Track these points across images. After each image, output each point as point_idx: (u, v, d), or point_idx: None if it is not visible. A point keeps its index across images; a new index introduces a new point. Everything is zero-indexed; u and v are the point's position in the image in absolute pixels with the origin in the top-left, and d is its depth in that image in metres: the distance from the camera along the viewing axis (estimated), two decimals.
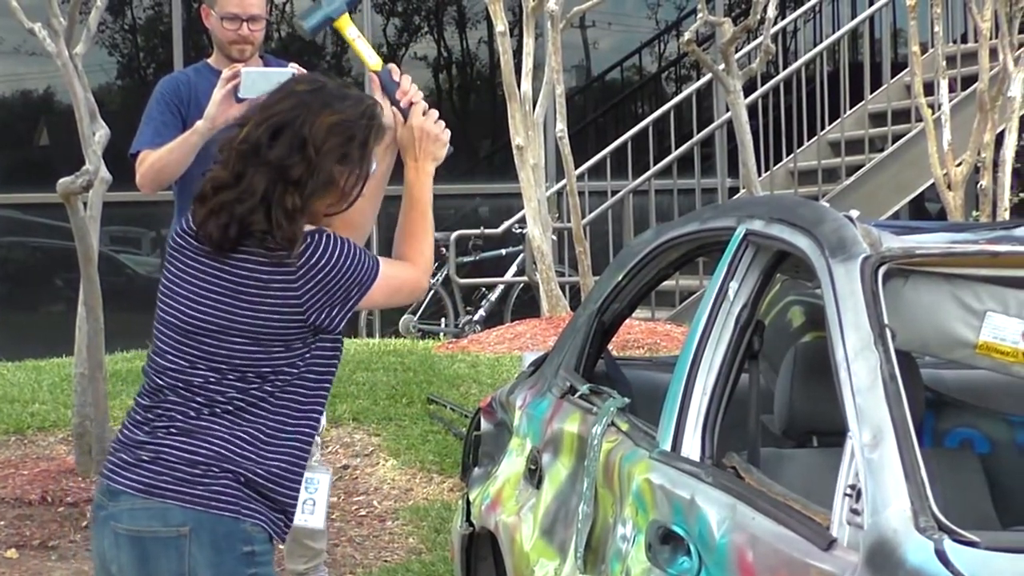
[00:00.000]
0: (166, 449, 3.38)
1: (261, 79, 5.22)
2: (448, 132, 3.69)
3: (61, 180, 6.52)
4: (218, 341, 3.41)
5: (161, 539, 3.36)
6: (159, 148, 5.39)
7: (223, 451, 3.37)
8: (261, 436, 3.41)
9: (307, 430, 3.49)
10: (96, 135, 6.63)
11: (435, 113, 3.69)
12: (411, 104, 3.67)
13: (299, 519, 3.77)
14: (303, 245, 3.36)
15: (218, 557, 3.36)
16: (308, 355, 3.44)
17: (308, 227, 3.40)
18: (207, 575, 3.36)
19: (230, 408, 3.40)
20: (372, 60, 3.72)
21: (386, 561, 6.44)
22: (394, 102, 3.65)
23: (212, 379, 3.41)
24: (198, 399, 3.41)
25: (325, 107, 3.43)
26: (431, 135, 3.67)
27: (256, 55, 5.57)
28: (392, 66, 3.69)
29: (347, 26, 3.78)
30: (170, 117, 5.47)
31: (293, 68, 5.29)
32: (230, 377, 3.40)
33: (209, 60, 5.66)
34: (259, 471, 3.40)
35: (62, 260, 12.68)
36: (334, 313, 3.41)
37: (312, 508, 3.80)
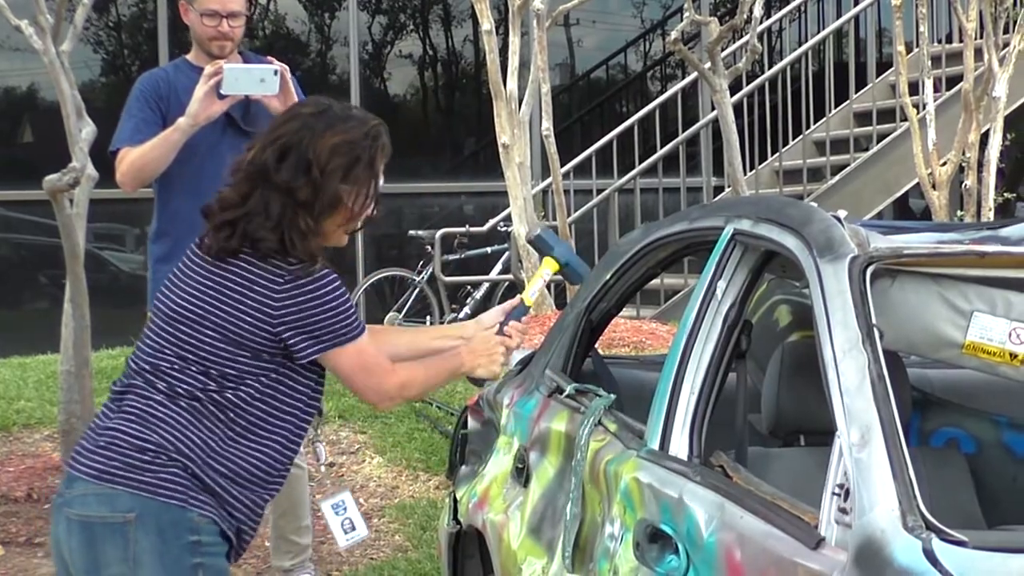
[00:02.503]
0: (120, 434, 3.47)
1: (243, 75, 5.22)
2: (503, 367, 3.88)
3: (48, 177, 6.50)
4: (191, 330, 3.49)
5: (108, 524, 3.43)
6: (140, 145, 5.40)
7: (175, 441, 3.44)
8: (214, 445, 3.48)
9: (268, 460, 3.54)
10: (83, 132, 6.61)
11: (512, 356, 3.92)
12: (509, 340, 3.85)
13: (343, 541, 3.84)
14: (305, 268, 3.45)
15: (163, 544, 3.42)
16: (274, 375, 3.52)
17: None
18: (151, 562, 3.42)
19: (188, 401, 3.47)
20: (531, 296, 3.95)
21: (372, 559, 6.44)
22: (503, 326, 3.86)
23: (176, 366, 3.49)
24: (160, 384, 3.49)
25: (328, 128, 3.51)
26: (494, 358, 3.82)
27: (235, 52, 5.56)
28: (531, 312, 3.94)
29: (548, 267, 3.98)
30: (150, 114, 5.46)
31: (276, 65, 5.28)
32: (193, 368, 3.48)
33: (188, 56, 5.65)
34: (209, 475, 3.46)
35: (47, 257, 12.66)
36: (305, 343, 3.49)
37: (351, 524, 3.84)
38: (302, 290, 3.45)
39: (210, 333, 3.47)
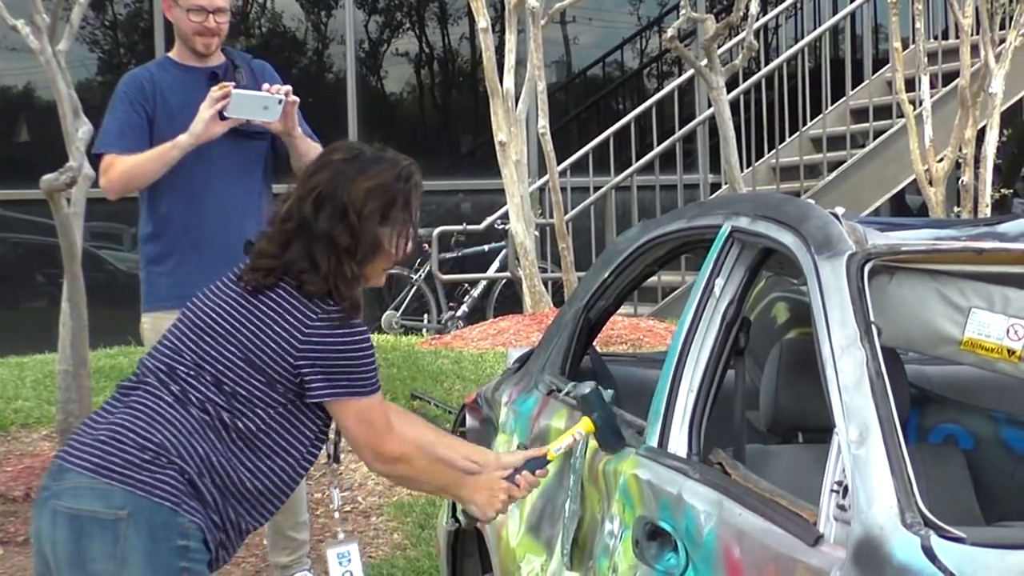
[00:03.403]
0: (123, 430, 3.48)
1: (249, 101, 5.25)
2: (498, 514, 3.80)
3: (45, 177, 6.50)
4: (214, 341, 3.52)
5: (99, 520, 3.43)
6: (129, 154, 5.37)
7: (177, 445, 3.45)
8: (214, 459, 3.50)
9: (264, 487, 3.55)
10: (79, 131, 6.61)
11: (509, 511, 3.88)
12: (515, 491, 3.77)
13: None
14: (340, 313, 3.49)
15: (153, 545, 3.43)
16: (282, 410, 3.54)
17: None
18: (139, 561, 3.43)
19: (198, 411, 3.49)
20: (555, 452, 3.84)
21: (371, 557, 6.44)
22: (515, 473, 3.77)
23: (192, 372, 3.51)
24: (174, 387, 3.50)
25: (360, 173, 3.55)
26: (493, 504, 3.75)
27: (219, 49, 5.54)
28: (548, 467, 3.83)
29: (582, 427, 3.84)
30: (136, 118, 5.43)
31: (281, 95, 5.26)
32: (207, 378, 3.50)
33: (171, 54, 5.63)
34: (204, 484, 3.48)
35: (44, 256, 12.66)
36: (320, 383, 3.51)
37: None
38: (332, 332, 3.48)
39: (232, 349, 3.50)
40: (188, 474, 3.44)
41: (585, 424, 3.83)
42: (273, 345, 3.48)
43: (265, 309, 3.50)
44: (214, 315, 3.55)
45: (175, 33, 5.59)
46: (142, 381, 3.55)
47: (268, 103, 5.24)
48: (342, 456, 7.39)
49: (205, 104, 5.23)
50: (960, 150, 9.81)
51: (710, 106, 11.18)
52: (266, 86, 5.30)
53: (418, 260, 12.39)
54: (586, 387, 3.86)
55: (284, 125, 5.27)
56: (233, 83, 5.31)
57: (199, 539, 3.47)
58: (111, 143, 5.43)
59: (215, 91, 5.23)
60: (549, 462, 3.82)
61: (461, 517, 3.91)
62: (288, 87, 5.29)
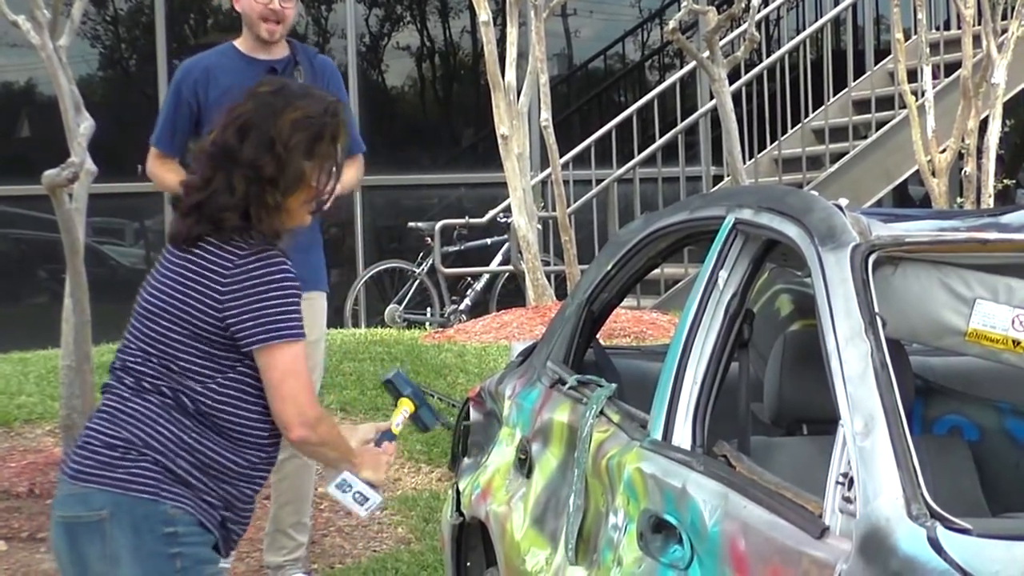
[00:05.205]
0: (94, 433, 3.52)
1: None
2: (380, 499, 3.80)
3: (47, 172, 6.49)
4: (151, 323, 3.52)
5: (84, 523, 3.47)
6: (169, 156, 5.65)
7: (142, 435, 3.47)
8: (186, 438, 3.49)
9: (243, 459, 3.54)
10: (81, 127, 6.60)
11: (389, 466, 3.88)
12: (387, 456, 3.80)
13: (363, 511, 3.80)
14: (259, 252, 3.45)
15: (138, 539, 3.45)
16: (232, 374, 3.51)
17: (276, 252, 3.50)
18: (128, 557, 3.45)
19: (155, 395, 3.49)
20: (396, 426, 3.91)
21: (375, 551, 6.44)
22: (381, 440, 3.81)
23: (140, 359, 3.52)
24: (128, 380, 3.53)
25: (288, 105, 3.54)
26: (379, 466, 3.76)
27: (284, 40, 5.60)
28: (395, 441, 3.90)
29: (405, 407, 3.95)
30: (181, 114, 5.61)
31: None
32: (154, 361, 3.51)
33: (236, 42, 5.70)
34: (180, 466, 3.47)
35: (47, 252, 12.66)
36: (247, 329, 3.46)
37: (363, 496, 3.79)
38: (250, 273, 3.45)
39: (167, 324, 3.50)
40: (161, 461, 3.45)
41: (406, 403, 3.93)
42: (196, 304, 3.46)
43: (188, 271, 3.48)
44: (151, 296, 3.54)
45: (243, 22, 5.68)
46: (107, 383, 3.59)
47: None
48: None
49: None
50: (963, 141, 9.81)
51: (712, 98, 11.17)
52: None
53: (421, 254, 12.39)
54: (390, 371, 3.99)
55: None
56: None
57: (189, 523, 3.48)
58: (158, 138, 5.69)
59: None
60: (396, 436, 3.89)
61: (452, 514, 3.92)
62: None
